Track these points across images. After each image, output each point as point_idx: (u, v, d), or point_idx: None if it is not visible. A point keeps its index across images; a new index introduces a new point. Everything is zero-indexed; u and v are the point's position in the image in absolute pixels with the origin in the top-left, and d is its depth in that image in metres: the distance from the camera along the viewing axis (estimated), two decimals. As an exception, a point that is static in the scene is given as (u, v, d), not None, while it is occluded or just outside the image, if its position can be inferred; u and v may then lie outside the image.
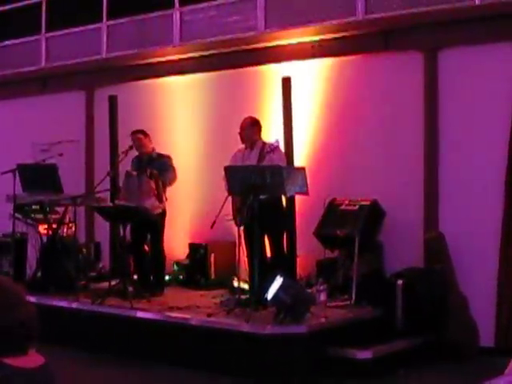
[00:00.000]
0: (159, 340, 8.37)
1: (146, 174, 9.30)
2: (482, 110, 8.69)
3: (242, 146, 9.09)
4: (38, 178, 10.01)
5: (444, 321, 8.40)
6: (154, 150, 9.79)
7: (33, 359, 2.73)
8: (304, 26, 9.62)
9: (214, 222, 8.29)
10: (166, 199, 9.57)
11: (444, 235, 8.75)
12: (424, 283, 8.54)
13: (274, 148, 8.49)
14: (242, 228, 8.53)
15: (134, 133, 9.74)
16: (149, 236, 9.75)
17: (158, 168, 9.40)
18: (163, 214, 9.53)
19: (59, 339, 8.34)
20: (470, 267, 8.61)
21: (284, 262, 8.77)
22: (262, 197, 8.19)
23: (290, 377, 7.52)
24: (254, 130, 9.02)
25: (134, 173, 9.49)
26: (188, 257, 10.59)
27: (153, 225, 9.43)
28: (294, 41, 9.97)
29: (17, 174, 9.88)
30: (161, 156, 9.72)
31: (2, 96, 13.42)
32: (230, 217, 8.66)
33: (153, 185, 9.29)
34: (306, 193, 8.35)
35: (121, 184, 9.93)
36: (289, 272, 8.53)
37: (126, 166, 9.87)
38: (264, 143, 8.88)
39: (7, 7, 12.92)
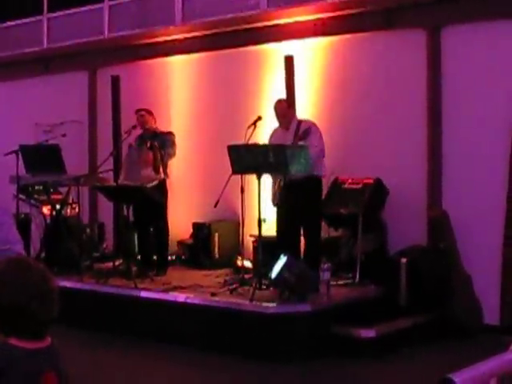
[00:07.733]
0: (162, 320, 8.39)
1: (146, 145, 9.38)
2: (485, 86, 8.65)
3: (277, 126, 8.90)
4: (41, 158, 10.01)
5: (448, 299, 8.40)
6: (157, 128, 9.85)
7: (41, 340, 2.73)
8: (306, 4, 9.55)
9: (218, 201, 8.29)
10: (168, 175, 9.59)
11: (448, 213, 8.74)
12: (428, 261, 8.55)
13: (311, 131, 8.37)
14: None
15: (139, 110, 9.87)
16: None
17: (161, 142, 9.47)
18: (161, 186, 9.53)
19: (63, 319, 8.34)
20: (474, 245, 8.60)
21: (312, 258, 8.44)
22: (295, 176, 8.12)
23: (294, 355, 7.53)
24: (290, 111, 8.92)
25: (135, 144, 9.66)
26: (191, 236, 10.59)
27: (154, 203, 9.42)
28: (296, 19, 9.91)
29: (20, 154, 9.88)
30: (164, 133, 9.77)
31: (4, 77, 13.40)
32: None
33: (151, 156, 9.34)
34: (311, 173, 8.36)
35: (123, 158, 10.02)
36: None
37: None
38: (299, 122, 8.68)
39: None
